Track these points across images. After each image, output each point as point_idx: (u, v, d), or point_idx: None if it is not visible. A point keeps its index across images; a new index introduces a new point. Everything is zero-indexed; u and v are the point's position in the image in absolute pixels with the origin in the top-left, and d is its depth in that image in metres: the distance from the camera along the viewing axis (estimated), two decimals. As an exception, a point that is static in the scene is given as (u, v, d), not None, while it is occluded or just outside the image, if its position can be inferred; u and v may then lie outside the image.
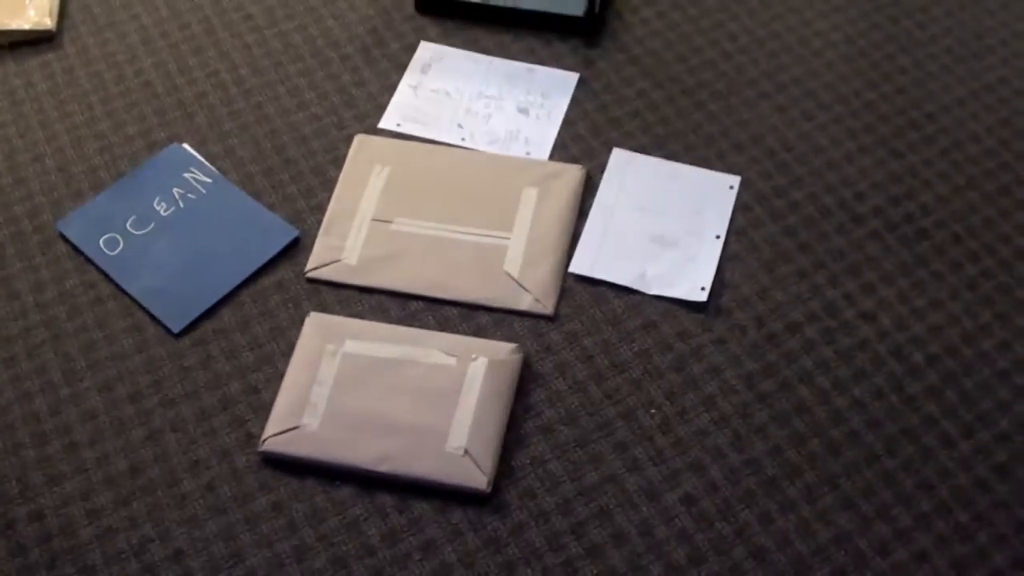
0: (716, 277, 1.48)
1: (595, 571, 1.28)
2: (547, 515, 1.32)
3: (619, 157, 1.61)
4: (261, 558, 1.29)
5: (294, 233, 1.53)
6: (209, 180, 1.58)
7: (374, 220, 1.54)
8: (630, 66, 1.71)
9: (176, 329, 1.45)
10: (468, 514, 1.33)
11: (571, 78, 1.70)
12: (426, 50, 1.73)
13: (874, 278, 1.49)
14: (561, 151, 1.61)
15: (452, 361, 1.42)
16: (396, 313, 1.47)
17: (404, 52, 1.73)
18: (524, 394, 1.40)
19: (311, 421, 1.37)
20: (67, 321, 1.47)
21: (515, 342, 1.44)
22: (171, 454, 1.37)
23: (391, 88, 1.69)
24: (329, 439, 1.36)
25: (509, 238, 1.53)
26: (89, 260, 1.51)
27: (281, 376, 1.42)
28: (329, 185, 1.59)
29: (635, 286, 1.48)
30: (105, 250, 1.52)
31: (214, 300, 1.47)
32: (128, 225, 1.54)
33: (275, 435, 1.36)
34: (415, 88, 1.69)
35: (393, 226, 1.54)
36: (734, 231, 1.52)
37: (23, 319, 1.47)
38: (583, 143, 1.62)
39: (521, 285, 1.49)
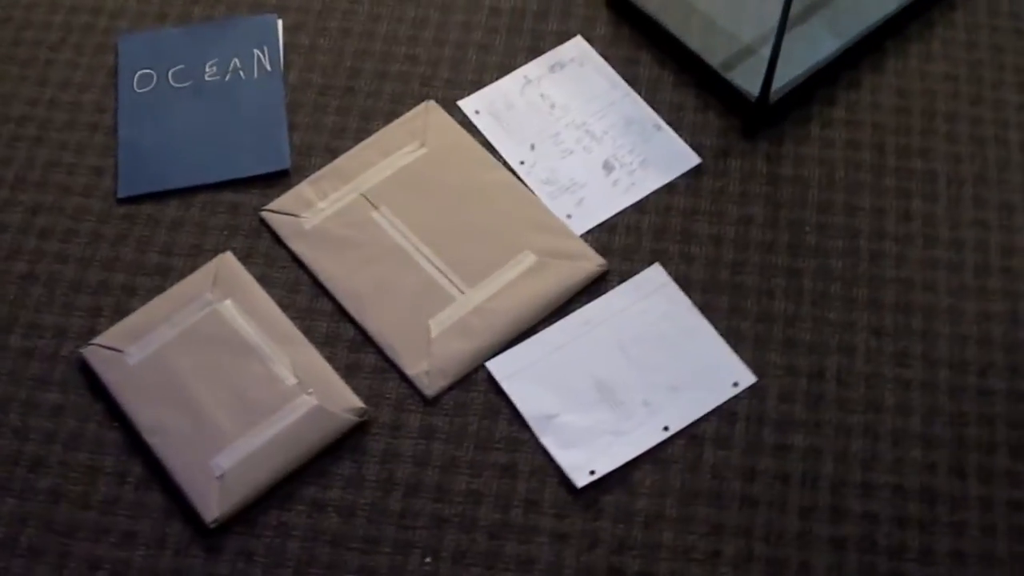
0: (622, 473, 1.33)
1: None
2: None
3: (654, 276, 1.46)
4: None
5: (285, 164, 1.53)
6: (268, 69, 1.61)
7: (362, 196, 1.53)
8: (762, 184, 1.50)
9: (120, 194, 1.53)
10: (181, 533, 1.32)
11: (689, 159, 1.53)
12: (575, 48, 1.60)
13: None
14: (605, 234, 1.47)
15: (291, 382, 1.37)
16: (300, 301, 1.45)
17: (555, 37, 1.63)
18: (335, 458, 1.34)
19: (136, 354, 1.41)
20: (38, 136, 1.61)
21: (374, 401, 1.37)
22: (27, 305, 1.47)
23: (506, 69, 1.60)
24: (134, 381, 1.39)
25: (464, 294, 1.47)
26: (115, 85, 1.64)
27: (158, 294, 1.47)
28: (361, 135, 1.56)
29: (532, 423, 1.35)
30: (135, 85, 1.61)
31: (170, 187, 1.53)
32: (171, 73, 1.62)
33: (98, 345, 1.42)
34: (527, 83, 1.58)
35: (375, 214, 1.49)
36: (694, 436, 1.34)
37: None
38: (637, 238, 1.47)
39: (428, 349, 1.43)
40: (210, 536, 1.32)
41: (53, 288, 1.48)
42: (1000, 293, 1.43)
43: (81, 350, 1.43)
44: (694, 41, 1.57)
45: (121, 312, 1.46)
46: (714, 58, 1.55)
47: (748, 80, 1.51)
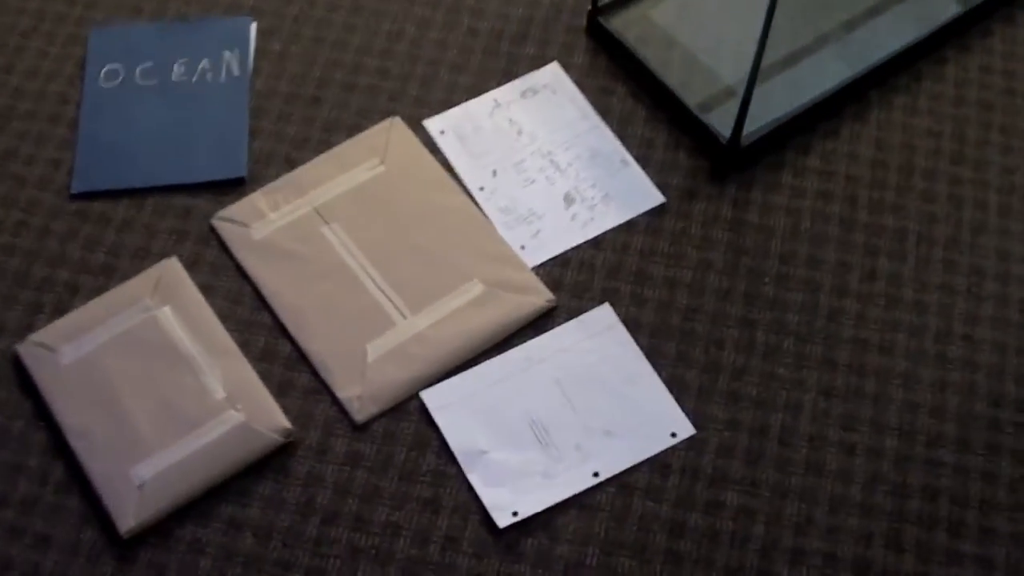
0: (546, 517, 1.29)
1: None
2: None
3: (602, 316, 1.42)
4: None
5: (241, 172, 1.51)
6: (236, 73, 1.59)
7: (314, 210, 1.50)
8: (724, 229, 1.46)
9: (74, 189, 1.51)
10: (95, 540, 1.30)
11: (653, 197, 1.49)
12: (550, 74, 1.57)
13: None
14: (558, 268, 1.44)
15: (220, 395, 1.35)
16: (241, 313, 1.43)
17: (531, 62, 1.61)
18: (257, 478, 1.32)
19: (69, 354, 1.39)
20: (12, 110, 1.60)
21: (302, 422, 1.35)
22: None
23: (477, 91, 1.58)
24: (64, 381, 1.37)
25: (406, 319, 1.44)
26: (81, 78, 1.61)
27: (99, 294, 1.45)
28: (322, 148, 1.53)
29: (461, 458, 1.31)
30: (102, 79, 1.59)
31: (124, 186, 1.51)
32: (139, 70, 1.60)
33: (33, 343, 1.40)
34: (496, 107, 1.55)
35: (325, 229, 1.46)
36: (625, 484, 1.30)
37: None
38: (590, 275, 1.43)
39: (363, 374, 1.39)
40: (123, 546, 1.30)
41: (2, 280, 1.47)
42: (959, 362, 1.39)
43: (16, 346, 1.40)
44: (672, 77, 1.54)
45: (61, 310, 1.44)
46: (691, 97, 1.52)
47: (723, 122, 1.48)
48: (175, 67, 1.61)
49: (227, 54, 1.62)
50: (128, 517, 1.29)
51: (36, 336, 1.41)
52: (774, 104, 1.51)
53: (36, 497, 1.33)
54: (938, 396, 1.36)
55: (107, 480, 1.31)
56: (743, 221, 1.47)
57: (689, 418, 1.34)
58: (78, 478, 1.33)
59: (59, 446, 1.35)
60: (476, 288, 1.41)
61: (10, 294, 1.46)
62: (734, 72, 1.55)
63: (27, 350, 1.40)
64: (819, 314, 1.41)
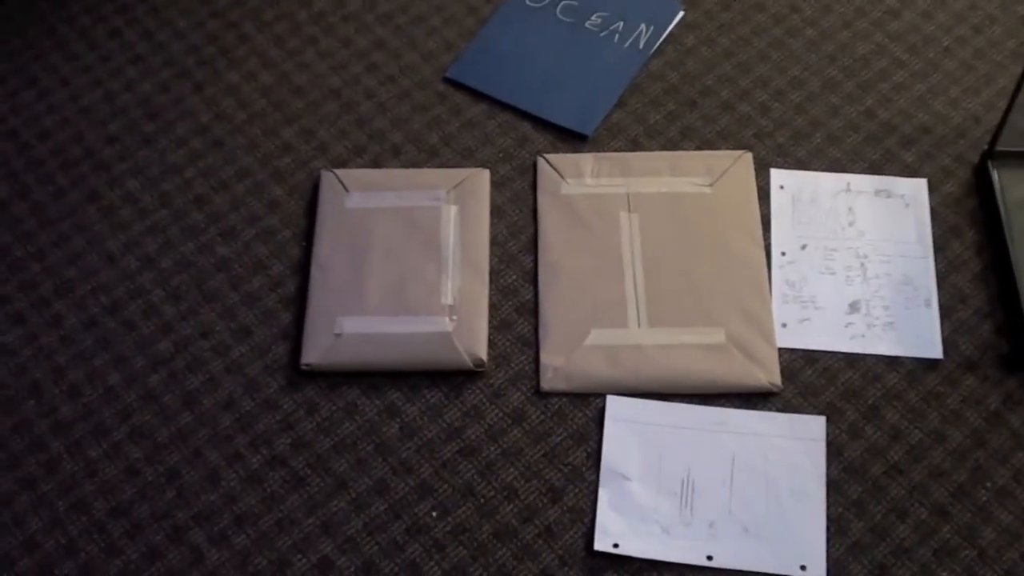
0: (640, 565, 1.27)
1: None
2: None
3: (813, 426, 1.34)
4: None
5: (587, 131, 1.57)
6: (641, 47, 1.65)
7: (626, 194, 1.51)
8: (981, 417, 1.37)
9: (449, 74, 1.64)
10: (280, 355, 1.44)
11: (933, 349, 1.39)
12: (912, 187, 1.51)
13: None
14: (801, 361, 1.41)
15: (447, 300, 1.43)
16: (512, 247, 1.51)
17: (903, 167, 1.56)
18: (431, 385, 1.41)
19: (356, 200, 1.52)
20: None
21: (498, 361, 1.42)
22: (323, 118, 1.63)
23: (836, 167, 1.55)
24: (338, 219, 1.52)
25: (639, 327, 1.41)
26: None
27: (414, 167, 1.58)
28: (668, 146, 1.57)
29: (604, 470, 1.33)
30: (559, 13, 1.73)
31: (490, 94, 1.62)
32: (562, 3, 1.70)
33: (336, 176, 1.54)
34: (846, 191, 1.52)
35: (623, 215, 1.50)
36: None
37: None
38: (827, 386, 1.40)
39: (572, 350, 1.40)
40: (298, 373, 1.43)
41: (348, 116, 1.62)
42: None
43: (322, 170, 1.55)
44: (1021, 252, 1.46)
45: (376, 163, 1.58)
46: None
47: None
48: (593, 16, 1.69)
49: (643, 26, 1.68)
50: (314, 353, 1.41)
51: (341, 172, 1.55)
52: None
53: (260, 297, 1.49)
54: None
55: (317, 314, 1.44)
56: (1003, 419, 1.38)
57: (827, 563, 1.29)
58: (299, 300, 1.47)
59: (303, 267, 1.49)
60: (718, 336, 1.42)
61: (349, 130, 1.61)
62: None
63: (327, 179, 1.54)
64: (1016, 548, 1.30)
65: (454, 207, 1.52)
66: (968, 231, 1.51)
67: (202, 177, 1.58)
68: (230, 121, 1.63)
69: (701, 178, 1.54)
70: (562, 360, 1.41)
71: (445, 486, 1.34)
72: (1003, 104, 1.61)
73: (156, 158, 1.60)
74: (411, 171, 1.55)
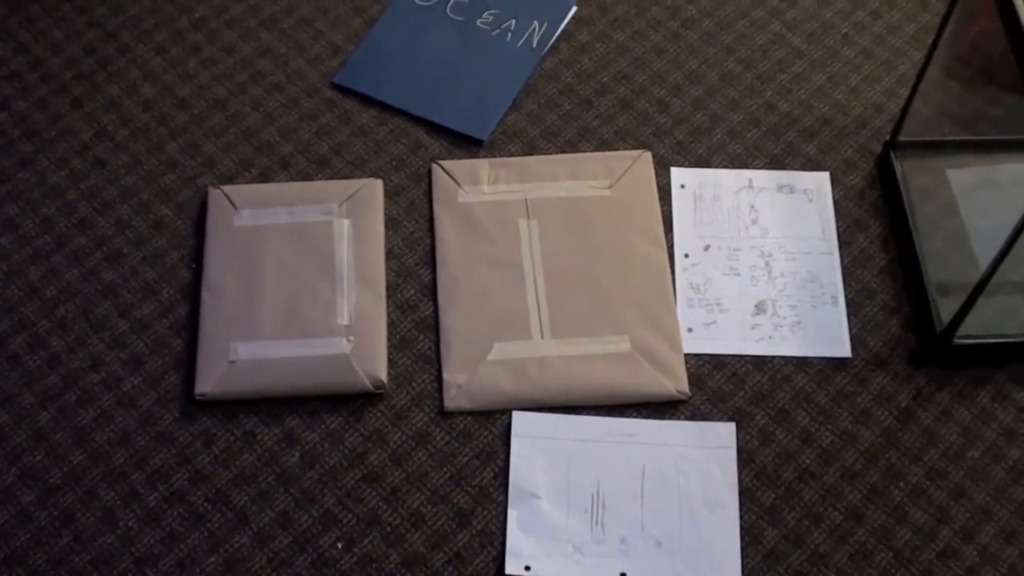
0: None
1: None
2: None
3: (723, 434, 1.33)
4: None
5: (483, 136, 1.54)
6: (534, 46, 1.63)
7: (524, 201, 1.49)
8: (891, 414, 1.37)
9: (336, 79, 1.61)
10: (174, 385, 1.39)
11: (840, 347, 1.39)
12: (814, 181, 1.51)
13: None
14: (708, 366, 1.40)
15: (343, 321, 1.40)
16: (408, 260, 1.48)
17: (805, 160, 1.55)
18: (332, 409, 1.38)
19: (246, 218, 1.48)
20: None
21: (399, 381, 1.39)
22: (208, 129, 1.59)
23: (737, 163, 1.54)
24: (228, 238, 1.47)
25: (542, 338, 1.39)
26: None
27: (303, 180, 1.54)
28: (566, 148, 1.56)
29: (512, 490, 1.30)
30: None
31: (379, 98, 1.59)
32: (453, 1, 1.67)
33: (223, 194, 1.50)
34: (747, 187, 1.51)
35: (523, 222, 1.47)
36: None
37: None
38: (735, 390, 1.39)
39: (475, 367, 1.38)
40: (192, 404, 1.39)
41: (235, 128, 1.57)
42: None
43: (210, 187, 1.51)
44: (929, 243, 1.47)
45: (264, 177, 1.54)
46: (936, 272, 1.44)
47: (949, 310, 1.38)
48: (485, 14, 1.67)
49: (535, 24, 1.66)
50: (208, 382, 1.38)
51: (229, 189, 1.51)
52: (1014, 319, 1.40)
53: (150, 323, 1.44)
54: None
55: (210, 340, 1.41)
56: (914, 416, 1.38)
57: (742, 574, 1.28)
58: (191, 327, 1.43)
59: (194, 291, 1.45)
60: (622, 345, 1.40)
61: (236, 142, 1.56)
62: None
63: (215, 196, 1.51)
64: (931, 547, 1.31)
65: (347, 221, 1.48)
66: (872, 224, 1.51)
67: (85, 199, 1.53)
68: (111, 138, 1.58)
69: (600, 180, 1.52)
70: (465, 377, 1.39)
71: (350, 515, 1.32)
72: (904, 92, 1.61)
73: (36, 180, 1.55)
74: (301, 184, 1.52)
